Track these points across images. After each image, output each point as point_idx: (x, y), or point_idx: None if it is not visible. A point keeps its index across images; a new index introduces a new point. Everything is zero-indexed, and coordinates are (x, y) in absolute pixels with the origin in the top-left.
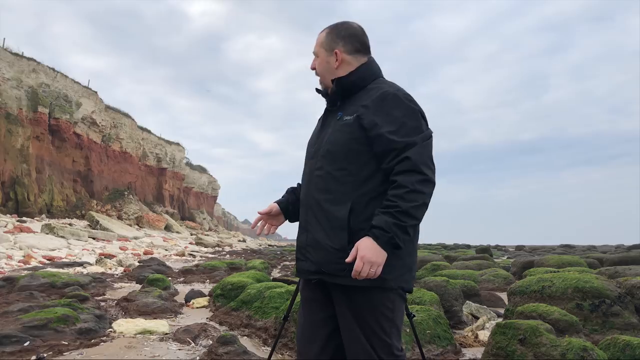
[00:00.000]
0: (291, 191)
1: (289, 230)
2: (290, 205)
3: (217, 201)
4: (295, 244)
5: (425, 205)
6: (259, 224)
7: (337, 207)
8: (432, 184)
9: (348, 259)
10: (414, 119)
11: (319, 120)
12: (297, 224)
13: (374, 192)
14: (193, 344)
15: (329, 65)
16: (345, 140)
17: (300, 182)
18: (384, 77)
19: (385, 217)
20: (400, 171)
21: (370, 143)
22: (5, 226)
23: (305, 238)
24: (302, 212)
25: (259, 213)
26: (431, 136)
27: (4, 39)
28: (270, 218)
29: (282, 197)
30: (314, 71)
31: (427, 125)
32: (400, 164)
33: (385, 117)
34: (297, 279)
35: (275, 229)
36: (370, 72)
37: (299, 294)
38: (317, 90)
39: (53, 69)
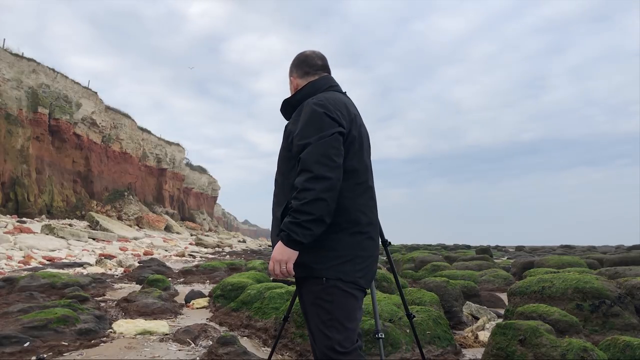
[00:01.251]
0: None
1: None
2: None
3: (217, 202)
4: None
5: (319, 200)
6: None
7: (278, 207)
8: (323, 179)
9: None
10: (314, 121)
11: None
12: None
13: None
14: (193, 345)
15: (291, 87)
16: (282, 149)
17: None
18: (339, 89)
19: (286, 219)
20: (297, 172)
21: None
22: (5, 227)
23: (272, 238)
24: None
25: None
26: (333, 133)
27: (4, 39)
28: None
29: None
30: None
31: (338, 124)
32: (298, 165)
33: (296, 124)
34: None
35: None
36: (313, 89)
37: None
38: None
39: (53, 70)
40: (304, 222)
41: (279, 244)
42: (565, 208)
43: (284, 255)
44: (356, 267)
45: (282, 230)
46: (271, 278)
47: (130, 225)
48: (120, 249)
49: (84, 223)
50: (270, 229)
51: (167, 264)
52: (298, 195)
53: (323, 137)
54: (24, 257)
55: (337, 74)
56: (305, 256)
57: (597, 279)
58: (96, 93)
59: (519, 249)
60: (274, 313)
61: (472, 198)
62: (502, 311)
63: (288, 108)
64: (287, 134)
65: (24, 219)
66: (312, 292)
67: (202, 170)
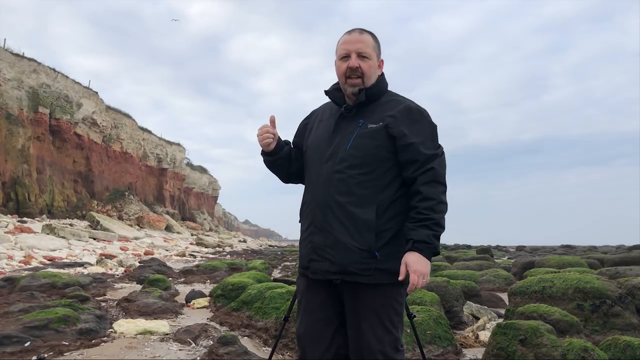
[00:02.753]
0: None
1: (290, 231)
2: (284, 153)
3: (218, 201)
4: (296, 245)
5: (441, 225)
6: (266, 130)
7: (362, 209)
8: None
9: (401, 277)
10: (435, 134)
11: (323, 122)
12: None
13: (393, 196)
14: (194, 345)
15: (373, 72)
16: (372, 146)
17: (308, 183)
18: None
19: (425, 231)
20: (425, 182)
21: (395, 151)
22: (6, 226)
23: (324, 239)
24: (316, 212)
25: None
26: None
27: (5, 39)
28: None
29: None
30: (352, 70)
31: None
32: (424, 174)
33: (413, 128)
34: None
35: (270, 142)
36: (385, 84)
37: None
38: (329, 92)
39: (54, 70)
40: (440, 235)
41: (419, 257)
42: (566, 208)
43: (428, 268)
44: None
45: (426, 242)
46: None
47: (131, 225)
48: (121, 248)
49: (85, 223)
50: (269, 228)
51: (168, 263)
52: (436, 207)
53: (443, 152)
54: (24, 256)
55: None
56: (389, 262)
57: (598, 278)
58: (97, 93)
59: (520, 248)
60: (274, 313)
61: (472, 198)
62: (502, 311)
63: (367, 98)
64: (388, 131)
65: (25, 218)
66: (388, 295)
67: (202, 170)
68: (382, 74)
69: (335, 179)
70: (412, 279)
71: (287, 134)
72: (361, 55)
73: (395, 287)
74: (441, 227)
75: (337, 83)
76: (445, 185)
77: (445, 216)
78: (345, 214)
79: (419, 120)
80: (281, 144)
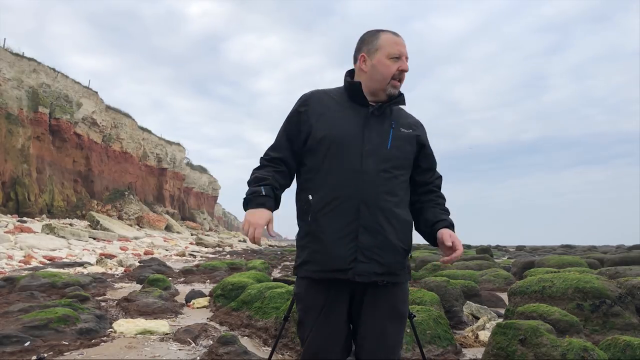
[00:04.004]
0: (272, 187)
1: (290, 230)
2: (277, 206)
3: (218, 201)
4: (295, 244)
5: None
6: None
7: (403, 210)
8: None
9: (448, 243)
10: None
11: (340, 113)
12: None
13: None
14: (193, 344)
15: (403, 77)
16: (408, 150)
17: (337, 177)
18: None
19: (449, 217)
20: (439, 185)
21: (416, 158)
22: (6, 226)
23: (372, 239)
24: (363, 211)
25: (258, 241)
26: None
27: (5, 39)
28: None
29: (266, 196)
30: (402, 73)
31: None
32: (437, 179)
33: (427, 141)
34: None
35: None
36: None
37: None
38: (357, 87)
39: (54, 69)
40: None
41: (453, 233)
42: (566, 208)
43: None
44: None
45: (453, 226)
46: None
47: (131, 225)
48: (121, 248)
49: (85, 223)
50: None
51: (168, 263)
52: (444, 202)
53: None
54: (24, 256)
55: (337, 74)
56: (408, 261)
57: (598, 278)
58: (96, 93)
59: (520, 248)
60: (274, 313)
61: (472, 198)
62: (502, 311)
63: (399, 101)
64: (416, 139)
65: (25, 218)
66: (406, 292)
67: (202, 169)
68: None
69: (382, 178)
70: (460, 251)
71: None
72: (407, 59)
73: (407, 284)
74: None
75: (350, 76)
76: None
77: None
78: (392, 214)
79: (426, 134)
80: (273, 205)
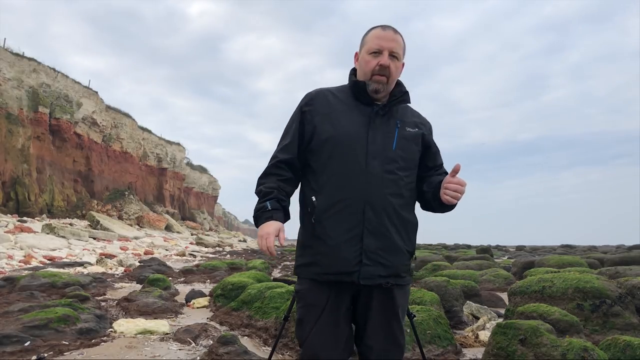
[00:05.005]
0: (277, 200)
1: (290, 230)
2: (288, 216)
3: (218, 201)
4: (295, 244)
5: None
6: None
7: (409, 213)
8: None
9: (458, 167)
10: None
11: (344, 113)
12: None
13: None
14: (193, 344)
15: (398, 73)
16: (413, 150)
17: (342, 179)
18: None
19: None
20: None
21: (421, 157)
22: (6, 226)
23: (377, 242)
24: (368, 213)
25: (272, 249)
26: None
27: (5, 39)
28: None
29: (273, 210)
30: (382, 68)
31: None
32: (445, 174)
33: (433, 140)
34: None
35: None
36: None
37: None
38: (362, 85)
39: (54, 69)
40: None
41: None
42: (565, 208)
43: None
44: None
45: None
46: None
47: (131, 225)
48: (121, 248)
49: (85, 222)
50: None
51: (168, 263)
52: None
53: None
54: (24, 256)
55: (337, 74)
56: (411, 263)
57: (598, 278)
58: (96, 92)
59: (520, 248)
60: (274, 312)
61: (471, 197)
62: (502, 311)
63: (401, 101)
64: (422, 138)
65: (25, 218)
66: (407, 295)
67: (202, 169)
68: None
69: (388, 179)
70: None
71: None
72: (392, 55)
73: (409, 287)
74: None
75: (353, 75)
76: None
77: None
78: (397, 216)
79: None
80: (282, 216)
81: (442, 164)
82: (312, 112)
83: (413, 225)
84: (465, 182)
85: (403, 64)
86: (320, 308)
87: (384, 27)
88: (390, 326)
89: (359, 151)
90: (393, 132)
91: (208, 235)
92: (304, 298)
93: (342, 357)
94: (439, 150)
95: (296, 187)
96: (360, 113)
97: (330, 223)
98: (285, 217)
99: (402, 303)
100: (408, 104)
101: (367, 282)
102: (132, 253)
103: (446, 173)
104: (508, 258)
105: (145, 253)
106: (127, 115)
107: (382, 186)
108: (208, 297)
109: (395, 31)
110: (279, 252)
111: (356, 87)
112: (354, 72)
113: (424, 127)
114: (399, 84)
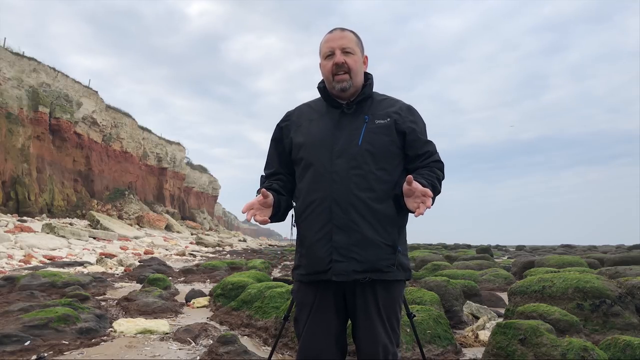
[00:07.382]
0: (267, 187)
1: (289, 230)
2: (282, 206)
3: (218, 201)
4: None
5: (439, 192)
6: (251, 212)
7: (383, 205)
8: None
9: (415, 186)
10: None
11: (315, 120)
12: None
13: (400, 190)
14: (193, 344)
15: (360, 67)
16: (385, 142)
17: (313, 181)
18: None
19: (426, 182)
20: (434, 166)
21: (403, 146)
22: (6, 226)
23: (348, 237)
24: (335, 210)
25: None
26: None
27: (5, 38)
28: (260, 207)
29: (260, 189)
30: (339, 66)
31: None
32: (435, 162)
33: (417, 125)
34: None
35: (263, 219)
36: (373, 84)
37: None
38: (324, 89)
39: (54, 69)
40: (435, 196)
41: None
42: (566, 207)
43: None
44: None
45: (432, 185)
46: None
47: (131, 225)
48: (121, 248)
49: (85, 222)
50: (269, 228)
51: (168, 263)
52: (441, 176)
53: None
54: (24, 256)
55: None
56: (404, 259)
57: (598, 278)
58: (96, 92)
59: (520, 248)
60: (274, 312)
61: (471, 197)
62: (502, 311)
63: (367, 95)
64: (395, 127)
65: (25, 217)
66: (399, 291)
67: (202, 169)
68: (371, 75)
69: (353, 175)
70: (419, 187)
71: None
72: (345, 51)
73: (403, 283)
74: (438, 190)
75: (322, 83)
76: (444, 174)
77: (439, 190)
78: (368, 210)
79: (419, 118)
80: (276, 202)
81: (430, 152)
82: (288, 126)
83: (388, 217)
84: (424, 191)
85: (366, 57)
86: (309, 307)
87: (331, 31)
88: (372, 324)
89: (325, 153)
90: (360, 127)
91: (208, 235)
92: (296, 298)
93: (335, 355)
94: (422, 138)
95: (291, 185)
96: (330, 117)
97: (305, 225)
98: (279, 206)
99: (387, 299)
100: (388, 95)
101: (340, 278)
102: (132, 253)
103: (437, 161)
104: (508, 258)
105: (145, 253)
106: (127, 115)
107: (347, 182)
108: (208, 297)
109: (343, 29)
110: (278, 252)
111: (323, 93)
112: (322, 82)
113: (397, 116)
114: (371, 78)
